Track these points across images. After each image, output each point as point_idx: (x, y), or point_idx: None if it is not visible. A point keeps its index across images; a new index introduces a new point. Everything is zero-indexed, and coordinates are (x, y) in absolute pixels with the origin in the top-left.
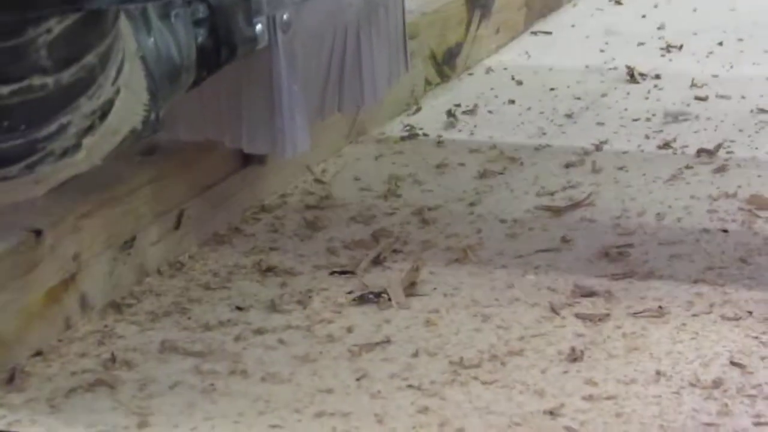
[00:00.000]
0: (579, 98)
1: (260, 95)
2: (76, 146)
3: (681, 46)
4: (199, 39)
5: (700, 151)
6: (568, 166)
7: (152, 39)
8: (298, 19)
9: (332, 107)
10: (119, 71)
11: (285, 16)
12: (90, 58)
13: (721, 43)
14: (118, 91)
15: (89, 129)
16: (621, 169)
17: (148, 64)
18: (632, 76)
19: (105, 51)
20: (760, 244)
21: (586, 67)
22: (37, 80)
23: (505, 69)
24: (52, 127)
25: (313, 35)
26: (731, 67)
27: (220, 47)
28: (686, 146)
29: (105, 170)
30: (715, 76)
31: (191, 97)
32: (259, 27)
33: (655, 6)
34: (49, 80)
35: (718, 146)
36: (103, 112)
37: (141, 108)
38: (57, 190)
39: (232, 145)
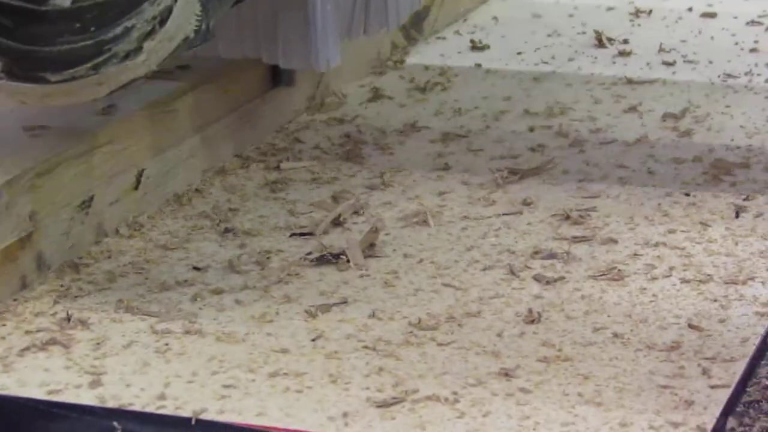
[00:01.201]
0: (546, 62)
1: (296, 14)
2: (138, 49)
3: (650, 12)
4: None
5: (666, 116)
6: (532, 129)
7: None
8: None
9: (359, 29)
10: None
11: None
12: None
13: (690, 9)
14: (176, 0)
15: (150, 33)
16: (589, 131)
17: None
18: (600, 41)
19: None
20: (722, 208)
21: (555, 32)
22: None
23: (473, 33)
24: (118, 30)
25: None
26: (699, 32)
27: None
28: (652, 110)
29: (64, 130)
30: (684, 41)
31: (231, 16)
32: None
33: None
34: None
35: (684, 110)
36: (163, 19)
37: (194, 18)
38: (16, 147)
39: (268, 62)
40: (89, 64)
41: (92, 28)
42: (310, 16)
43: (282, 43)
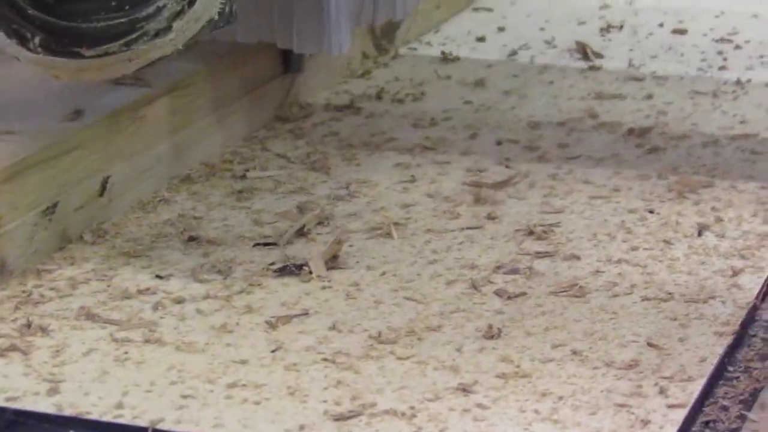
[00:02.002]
0: (516, 75)
1: (310, 1)
2: (167, 28)
3: (621, 26)
4: None
5: (632, 131)
6: (500, 143)
7: None
8: None
9: (368, 16)
10: None
11: None
12: None
13: (661, 25)
14: None
15: (179, 13)
16: (557, 146)
17: None
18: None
19: None
20: (686, 227)
21: (525, 44)
22: None
23: (444, 45)
24: (150, 9)
25: None
26: (669, 48)
27: None
28: (619, 126)
29: (30, 135)
30: (654, 57)
31: (248, 3)
32: None
33: None
34: None
35: (651, 127)
36: (191, 0)
37: (218, 1)
38: None
39: (282, 46)
40: (122, 41)
41: (126, 7)
42: (323, 3)
43: (297, 29)
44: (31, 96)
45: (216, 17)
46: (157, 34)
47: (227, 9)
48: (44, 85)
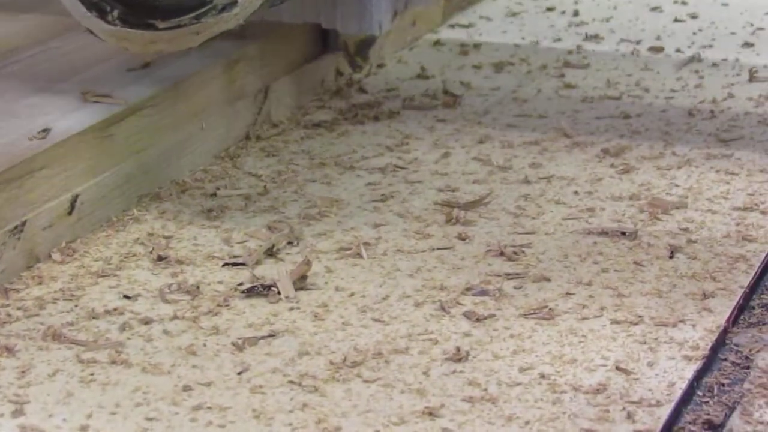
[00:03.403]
0: (486, 95)
1: None
2: (233, 3)
3: (602, 37)
4: None
5: (606, 152)
6: (473, 162)
7: None
8: None
9: (406, 2)
10: None
11: None
12: None
13: (639, 42)
14: None
15: None
16: (529, 167)
17: None
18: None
19: None
20: (657, 249)
21: (500, 62)
22: None
23: (418, 62)
24: None
25: None
26: (645, 67)
27: None
28: (593, 145)
29: None
30: (629, 75)
31: None
32: None
33: (575, 2)
34: None
35: (624, 147)
36: None
37: None
38: None
39: (327, 26)
40: (193, 14)
41: None
42: None
43: (340, 9)
44: None
45: None
46: (223, 9)
47: None
48: (10, 105)
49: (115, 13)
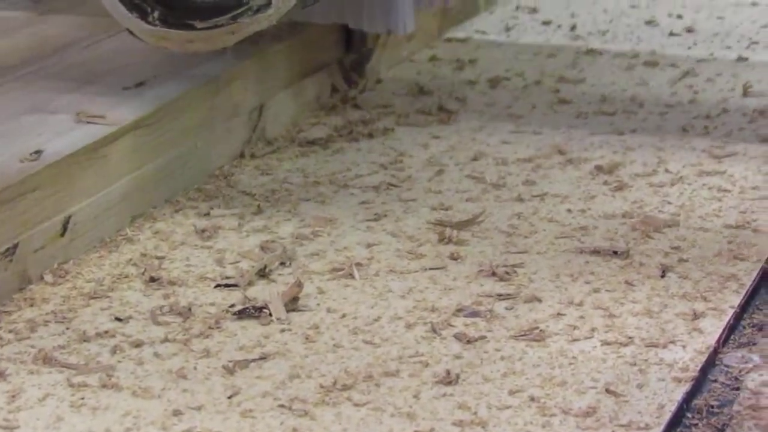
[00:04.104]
0: (482, 112)
1: None
2: (267, 4)
3: (598, 51)
4: None
5: (599, 169)
6: (470, 176)
7: None
8: None
9: (429, 2)
10: None
11: None
12: None
13: (635, 56)
14: None
15: None
16: (522, 184)
17: None
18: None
19: None
20: (649, 268)
21: (496, 77)
22: None
23: (414, 78)
24: None
25: None
26: (642, 81)
27: None
28: (586, 162)
29: None
30: (624, 90)
31: None
32: None
33: (571, 15)
34: None
35: (618, 164)
36: None
37: None
38: None
39: (354, 27)
40: (229, 15)
41: None
42: None
43: (367, 10)
44: None
45: None
46: (258, 10)
47: None
48: (2, 125)
49: (156, 14)
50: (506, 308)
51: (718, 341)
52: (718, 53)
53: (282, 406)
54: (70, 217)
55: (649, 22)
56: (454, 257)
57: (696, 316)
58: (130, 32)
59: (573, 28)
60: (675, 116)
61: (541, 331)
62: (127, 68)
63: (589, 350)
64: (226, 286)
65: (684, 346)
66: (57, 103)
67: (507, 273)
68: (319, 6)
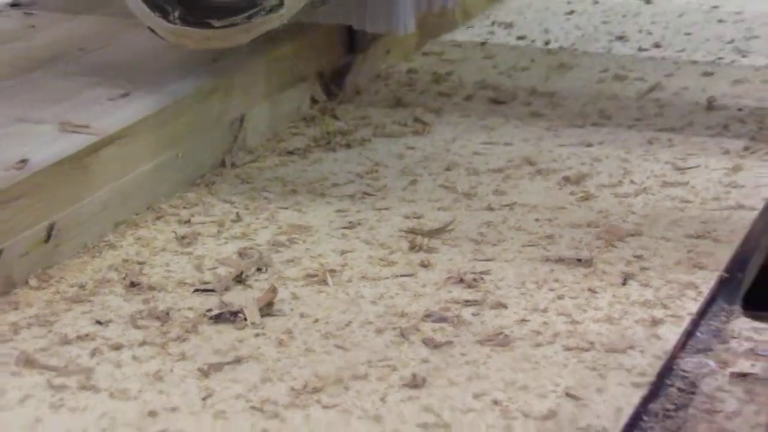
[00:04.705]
0: (460, 121)
1: None
2: (279, 5)
3: (570, 66)
4: None
5: (566, 180)
6: (443, 186)
7: None
8: None
9: (427, 5)
10: None
11: None
12: None
13: (604, 71)
14: None
15: None
16: (493, 194)
17: None
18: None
19: None
20: (611, 276)
21: (471, 90)
22: None
23: (391, 90)
24: None
25: None
26: (614, 95)
27: None
28: (554, 173)
29: None
30: (594, 103)
31: None
32: None
33: (545, 31)
34: None
35: (584, 175)
36: None
37: None
38: None
39: (357, 27)
40: (245, 15)
41: None
42: None
43: (370, 11)
44: None
45: None
46: (271, 10)
47: None
48: None
49: (176, 13)
50: (473, 314)
51: (675, 347)
52: (684, 68)
53: (253, 408)
54: (54, 223)
55: (620, 38)
56: (424, 264)
57: (655, 322)
58: (152, 30)
59: (547, 42)
60: (641, 129)
61: (505, 336)
62: (113, 80)
63: (552, 355)
64: (204, 291)
65: (642, 352)
66: (42, 114)
67: (474, 280)
68: (325, 7)
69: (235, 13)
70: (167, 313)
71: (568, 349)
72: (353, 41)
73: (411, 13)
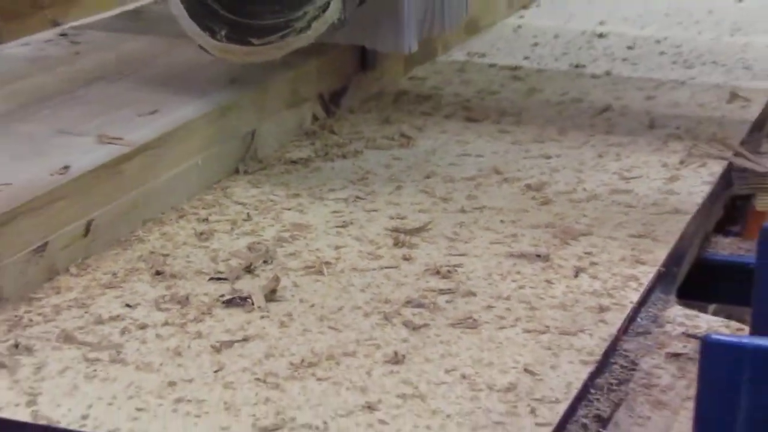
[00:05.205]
0: (438, 136)
1: (390, 16)
2: (308, 27)
3: (534, 90)
4: None
5: (528, 186)
6: (423, 191)
7: None
8: None
9: (428, 29)
10: None
11: None
12: None
13: (564, 93)
14: None
15: (317, 17)
16: (465, 198)
17: None
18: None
19: None
20: (565, 269)
21: (448, 111)
22: None
23: (381, 110)
24: (299, 13)
25: None
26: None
27: None
28: (519, 179)
29: (25, 187)
30: (553, 123)
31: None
32: None
33: (525, 57)
34: None
35: (545, 183)
36: (324, 9)
37: (338, 11)
38: None
39: (370, 47)
40: (279, 34)
41: (285, 11)
42: (402, 17)
43: (381, 33)
44: (24, 154)
45: (336, 21)
46: (301, 31)
47: (342, 16)
48: (38, 145)
49: (223, 32)
50: (446, 301)
51: (619, 330)
52: (631, 93)
53: (258, 379)
54: (91, 221)
55: (578, 66)
56: (406, 258)
57: (602, 309)
58: (201, 47)
59: (516, 68)
60: (593, 144)
61: (474, 320)
62: (144, 98)
63: (513, 337)
64: (218, 279)
65: (591, 335)
66: (83, 128)
67: (448, 272)
68: (343, 30)
69: (272, 33)
70: (186, 298)
71: (527, 331)
72: (365, 60)
73: (414, 36)
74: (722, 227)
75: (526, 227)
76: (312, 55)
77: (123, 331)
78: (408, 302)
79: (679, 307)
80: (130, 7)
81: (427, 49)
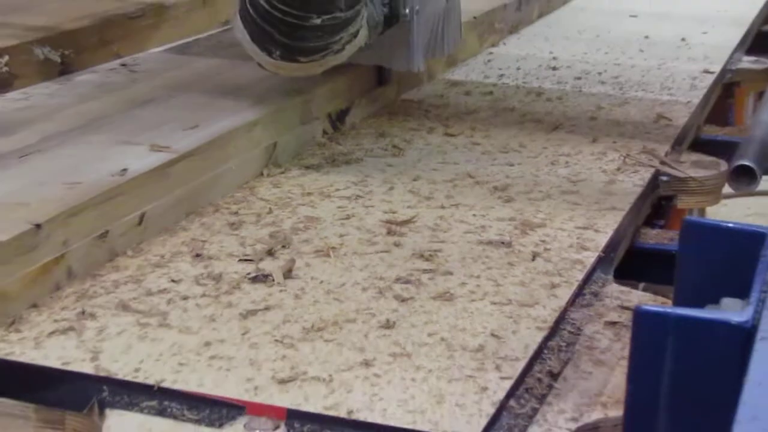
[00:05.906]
0: (423, 148)
1: (403, 41)
2: (342, 49)
3: (506, 109)
4: (385, 10)
5: (495, 188)
6: (411, 191)
7: (369, 8)
8: (422, 7)
9: (432, 52)
10: (363, 17)
11: (417, 6)
12: (357, 8)
13: (524, 115)
14: (361, 26)
15: (349, 41)
16: (445, 197)
17: (368, 18)
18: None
19: (360, 8)
20: (523, 254)
21: (432, 127)
22: (338, 14)
23: (378, 126)
24: (337, 37)
25: (427, 15)
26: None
27: (392, 16)
28: (487, 182)
29: (91, 184)
30: (515, 137)
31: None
32: (407, 9)
33: (494, 84)
34: (341, 15)
35: (507, 186)
36: (355, 35)
37: (365, 37)
38: (56, 196)
39: (387, 66)
40: (320, 54)
41: (326, 36)
42: (412, 43)
43: (396, 55)
44: (91, 159)
45: (364, 45)
46: (337, 52)
47: (369, 41)
48: (101, 152)
49: (278, 53)
50: (429, 279)
51: (567, 303)
52: (578, 113)
53: (277, 341)
54: (144, 213)
55: (537, 93)
56: (396, 244)
57: (553, 286)
58: (259, 65)
59: (490, 93)
60: (547, 155)
61: (451, 294)
62: (188, 115)
63: (482, 308)
64: (246, 260)
65: (544, 307)
66: (138, 139)
67: (431, 255)
68: (365, 51)
69: (315, 53)
70: (220, 275)
71: (494, 303)
72: (381, 78)
73: (422, 57)
74: (650, 221)
75: (493, 220)
76: (320, 82)
77: (168, 302)
78: (398, 279)
79: (616, 285)
80: (177, 43)
81: (415, 77)
